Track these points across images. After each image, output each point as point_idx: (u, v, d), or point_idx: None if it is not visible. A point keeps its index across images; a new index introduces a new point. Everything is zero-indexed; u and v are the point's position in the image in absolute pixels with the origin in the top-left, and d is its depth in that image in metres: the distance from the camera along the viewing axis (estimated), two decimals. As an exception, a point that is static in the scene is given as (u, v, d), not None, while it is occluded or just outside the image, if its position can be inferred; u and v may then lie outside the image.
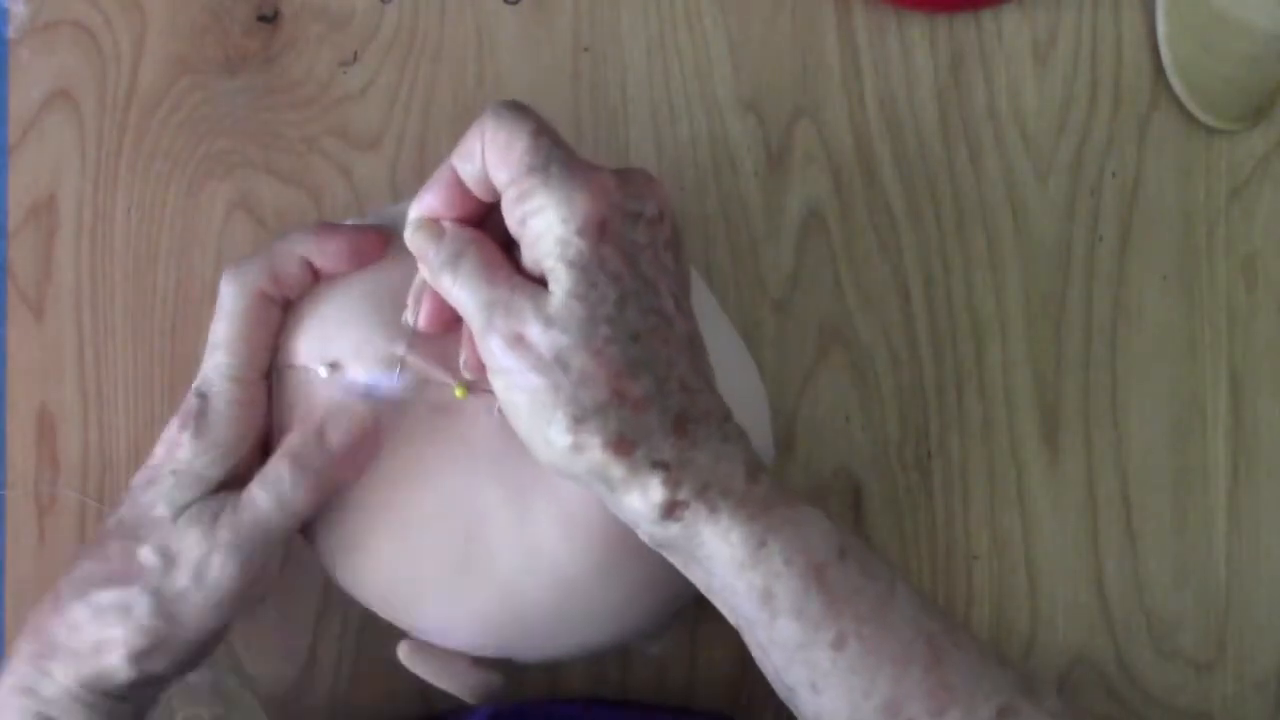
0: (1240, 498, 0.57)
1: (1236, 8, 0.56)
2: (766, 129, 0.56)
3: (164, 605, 0.44)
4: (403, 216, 0.45)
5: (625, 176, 0.42)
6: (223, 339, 0.45)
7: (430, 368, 0.45)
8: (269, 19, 0.55)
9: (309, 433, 0.44)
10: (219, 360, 0.45)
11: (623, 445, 0.40)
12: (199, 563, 0.44)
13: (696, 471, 0.41)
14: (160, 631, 0.44)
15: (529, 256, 0.42)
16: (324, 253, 0.46)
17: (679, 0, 0.55)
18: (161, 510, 0.44)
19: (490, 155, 0.42)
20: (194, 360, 0.54)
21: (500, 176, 0.42)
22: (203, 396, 0.45)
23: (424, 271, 0.44)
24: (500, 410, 0.43)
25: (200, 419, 0.45)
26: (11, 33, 0.54)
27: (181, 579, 0.44)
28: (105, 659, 0.44)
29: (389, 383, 0.45)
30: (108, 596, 0.44)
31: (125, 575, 0.44)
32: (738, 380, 0.49)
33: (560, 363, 0.40)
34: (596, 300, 0.40)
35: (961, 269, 0.56)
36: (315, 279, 0.46)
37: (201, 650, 0.46)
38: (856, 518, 0.55)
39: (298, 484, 0.44)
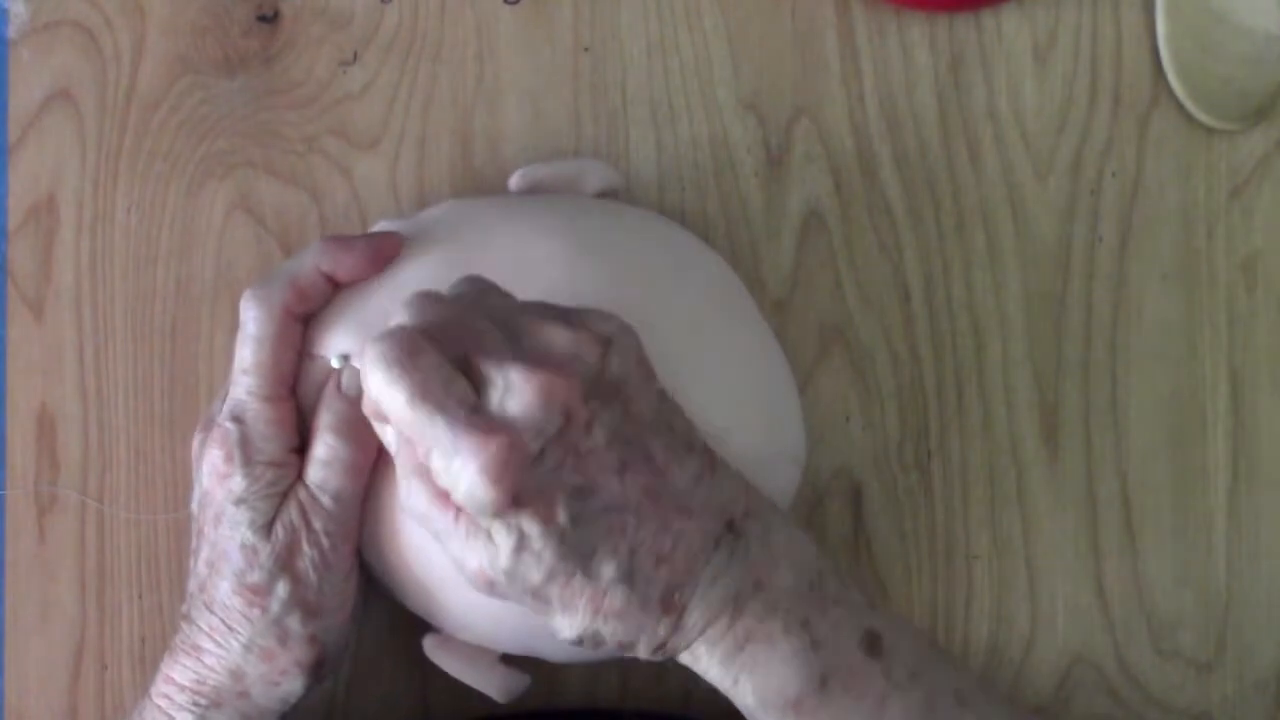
0: (1240, 498, 0.57)
1: (1236, 8, 0.56)
2: (766, 129, 0.56)
3: (309, 609, 0.45)
4: (417, 223, 0.47)
5: (521, 402, 0.40)
6: (251, 364, 0.46)
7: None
8: (269, 19, 0.55)
9: (330, 399, 0.46)
10: (250, 384, 0.46)
11: (624, 646, 0.42)
12: (315, 557, 0.45)
13: (688, 632, 0.42)
14: (319, 633, 0.46)
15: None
16: (343, 265, 0.46)
17: (679, 0, 0.55)
18: (247, 538, 0.45)
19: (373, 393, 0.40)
20: (194, 360, 0.54)
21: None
22: (239, 421, 0.46)
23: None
24: None
25: (245, 446, 0.45)
26: (11, 33, 0.54)
27: (310, 578, 0.45)
28: (282, 687, 0.46)
29: None
30: (257, 632, 0.45)
31: (259, 606, 0.45)
32: (769, 377, 0.49)
33: (540, 598, 0.41)
34: (540, 549, 0.40)
35: (961, 269, 0.56)
36: (335, 290, 0.47)
37: (347, 635, 0.48)
38: (857, 518, 0.55)
39: (348, 445, 0.45)
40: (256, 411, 0.46)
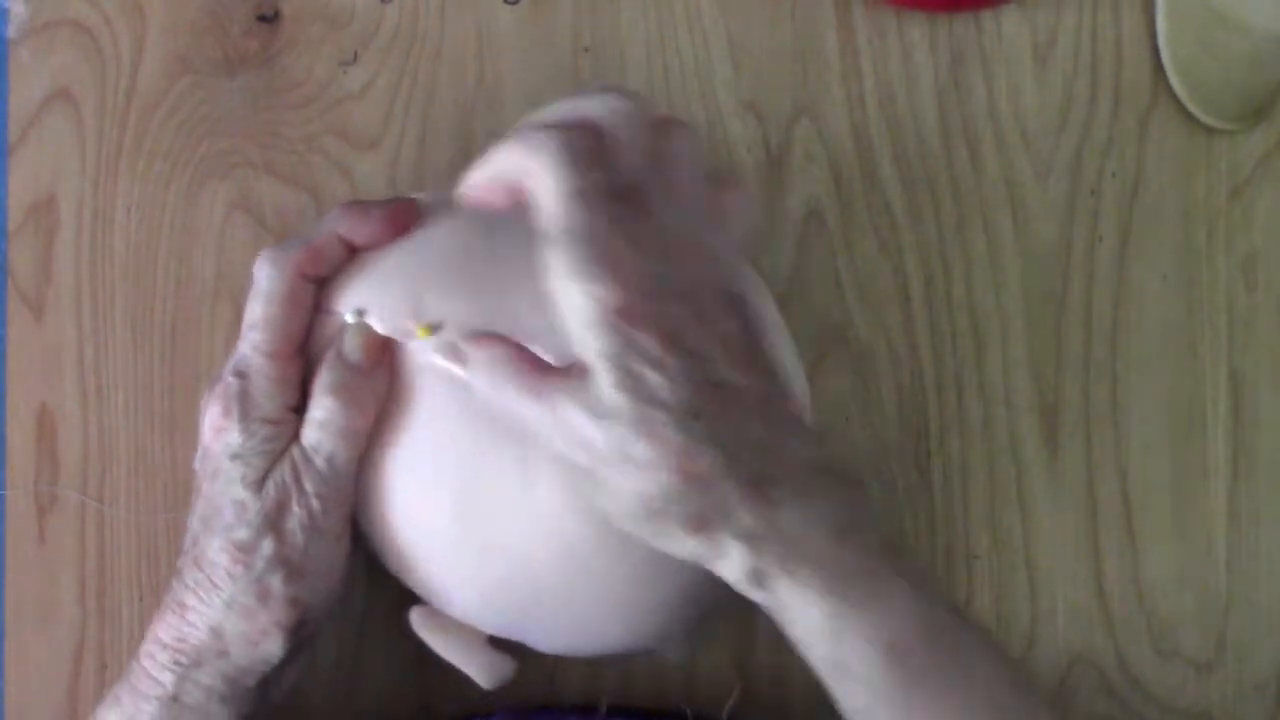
0: (1240, 498, 0.57)
1: (1236, 8, 0.56)
2: (766, 129, 0.56)
3: (293, 569, 0.45)
4: (433, 202, 0.47)
5: (662, 249, 0.41)
6: (260, 319, 0.45)
7: (455, 327, 0.45)
8: (269, 19, 0.55)
9: (331, 363, 0.45)
10: (256, 339, 0.45)
11: (700, 523, 0.40)
12: (304, 517, 0.45)
13: (779, 537, 0.40)
14: (302, 595, 0.45)
15: (564, 327, 0.41)
16: (360, 231, 0.46)
17: (679, 0, 0.55)
18: (238, 494, 0.45)
19: (530, 186, 0.42)
20: (194, 360, 0.54)
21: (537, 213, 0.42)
22: (242, 375, 0.45)
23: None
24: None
25: (243, 399, 0.45)
26: (11, 33, 0.54)
27: (298, 538, 0.45)
28: (262, 647, 0.45)
29: (404, 338, 0.45)
30: (239, 589, 0.44)
31: (243, 563, 0.44)
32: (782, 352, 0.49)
33: (622, 455, 0.40)
34: (640, 389, 0.40)
35: (961, 269, 0.56)
36: (351, 255, 0.47)
37: (331, 601, 0.47)
38: (856, 518, 0.56)
39: (346, 410, 0.45)
40: (259, 367, 0.45)
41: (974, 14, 0.56)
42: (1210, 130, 0.57)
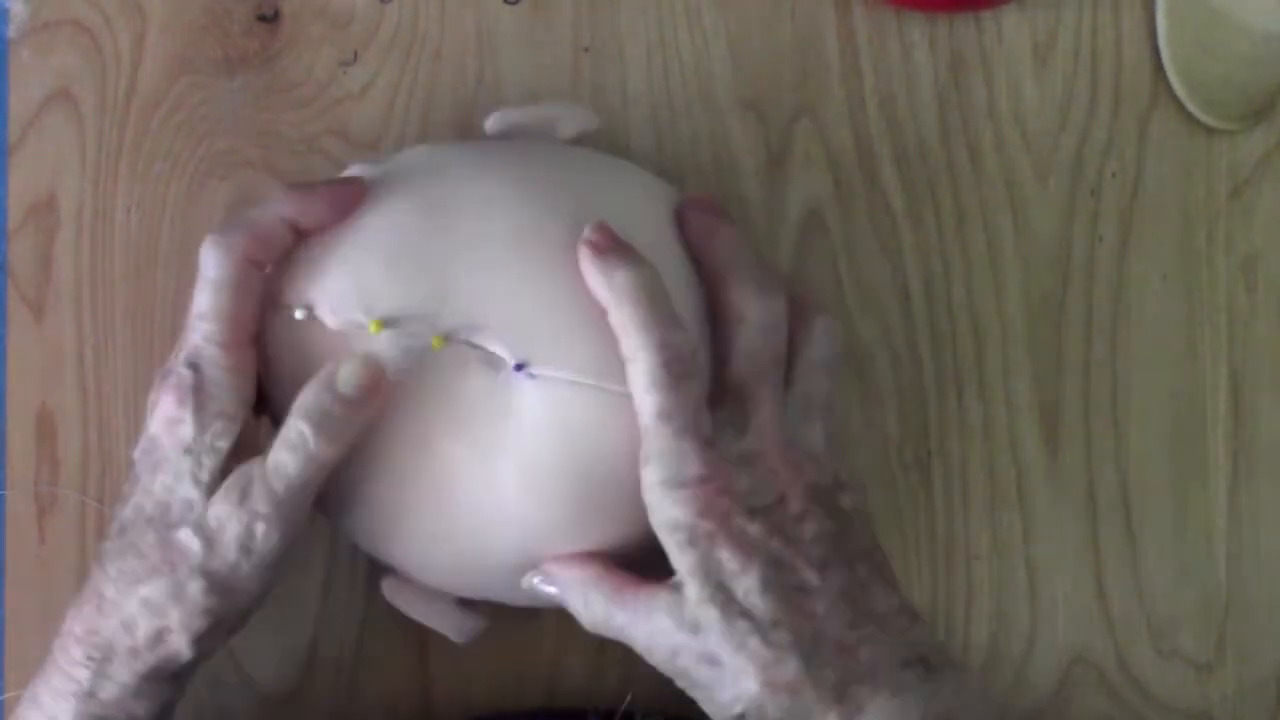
0: (1240, 498, 0.57)
1: (1236, 8, 0.56)
2: (766, 129, 0.56)
3: (216, 582, 0.44)
4: (385, 168, 0.47)
5: (748, 461, 0.43)
6: (209, 308, 0.44)
7: (409, 320, 0.45)
8: (269, 19, 0.55)
9: (319, 386, 0.44)
10: (208, 330, 0.44)
11: None
12: (242, 536, 0.44)
13: None
14: (217, 608, 0.44)
15: (656, 533, 0.44)
16: (305, 213, 0.45)
17: (679, 0, 0.55)
18: (188, 491, 0.44)
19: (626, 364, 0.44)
20: (194, 360, 0.54)
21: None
22: (195, 368, 0.44)
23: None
24: (473, 364, 0.44)
25: (199, 393, 0.44)
26: (11, 33, 0.54)
27: (229, 554, 0.44)
28: (169, 647, 0.44)
29: (360, 330, 0.45)
30: (157, 588, 0.44)
31: (169, 563, 0.44)
32: None
33: (712, 661, 0.42)
34: (726, 602, 0.42)
35: (961, 269, 0.56)
36: (298, 239, 0.46)
37: (249, 614, 0.46)
38: (856, 518, 0.56)
39: (319, 440, 0.44)
40: (213, 358, 0.44)
41: (974, 14, 0.56)
42: (1210, 130, 0.57)
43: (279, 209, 0.45)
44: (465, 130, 0.55)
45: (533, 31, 0.55)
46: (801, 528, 0.43)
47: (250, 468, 0.44)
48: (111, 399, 0.54)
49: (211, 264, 0.44)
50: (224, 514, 0.44)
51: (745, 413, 0.44)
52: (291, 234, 0.46)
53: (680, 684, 0.44)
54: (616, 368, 0.44)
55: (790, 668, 0.41)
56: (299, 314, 0.45)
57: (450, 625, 0.50)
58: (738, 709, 0.42)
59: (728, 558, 0.42)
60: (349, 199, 0.46)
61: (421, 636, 0.54)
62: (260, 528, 0.44)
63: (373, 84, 0.55)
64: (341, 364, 0.44)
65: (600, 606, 0.44)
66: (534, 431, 0.44)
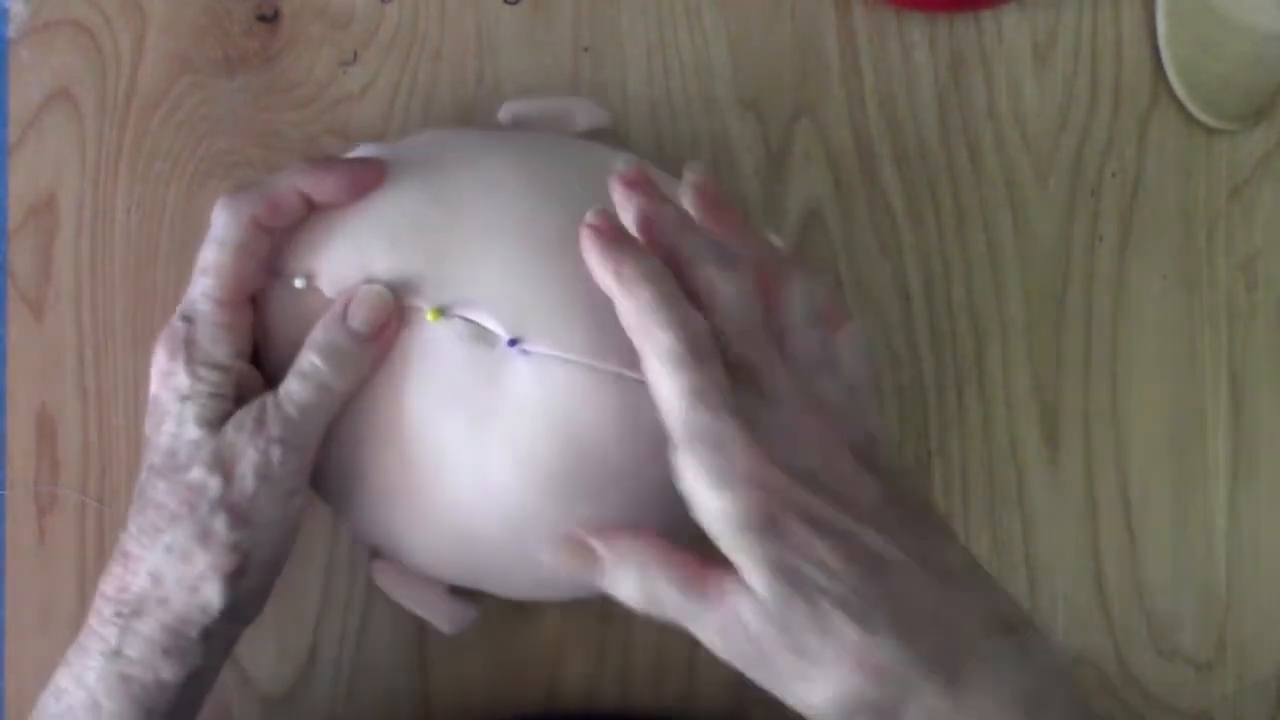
0: (1240, 498, 0.57)
1: (1236, 8, 0.56)
2: (766, 129, 0.56)
3: (239, 514, 0.44)
4: (396, 150, 0.47)
5: (785, 433, 0.40)
6: (212, 264, 0.45)
7: (407, 292, 0.45)
8: (269, 19, 0.55)
9: (331, 320, 0.45)
10: (206, 285, 0.45)
11: (888, 714, 0.39)
12: (259, 463, 0.44)
13: (970, 713, 0.38)
14: (244, 542, 0.44)
15: (708, 531, 0.40)
16: (321, 188, 0.46)
17: (679, 0, 0.55)
18: (194, 432, 0.44)
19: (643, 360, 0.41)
20: (194, 360, 0.54)
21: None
22: (188, 320, 0.45)
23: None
24: (464, 339, 0.44)
25: (189, 345, 0.45)
26: (11, 33, 0.54)
27: (247, 483, 0.44)
28: (200, 594, 0.44)
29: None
30: (181, 532, 0.44)
31: (187, 504, 0.44)
32: None
33: (799, 652, 0.39)
34: (803, 587, 0.38)
35: (961, 269, 0.56)
36: (310, 211, 0.46)
37: (278, 564, 0.46)
38: (856, 518, 0.55)
39: (332, 371, 0.44)
40: (207, 313, 0.45)
41: (974, 14, 0.56)
42: (1210, 130, 0.57)
43: (295, 180, 0.46)
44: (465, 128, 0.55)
45: (533, 31, 0.55)
46: (857, 493, 0.40)
47: (262, 400, 0.44)
48: (111, 399, 0.54)
49: (220, 223, 0.45)
50: (239, 442, 0.44)
51: (760, 386, 0.41)
52: (304, 205, 0.46)
53: (755, 675, 0.40)
54: (609, 347, 0.44)
55: (886, 646, 0.38)
56: (299, 283, 0.46)
57: (440, 614, 0.50)
58: (830, 697, 0.39)
59: (796, 538, 0.39)
60: (367, 179, 0.46)
61: (421, 637, 0.54)
62: (276, 451, 0.44)
63: (373, 84, 0.55)
64: (353, 299, 0.45)
65: (663, 589, 0.40)
66: (525, 408, 0.45)
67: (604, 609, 0.54)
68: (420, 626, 0.54)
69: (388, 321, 0.45)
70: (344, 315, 0.45)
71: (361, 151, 0.49)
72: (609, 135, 0.55)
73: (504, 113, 0.53)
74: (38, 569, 0.54)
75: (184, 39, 0.54)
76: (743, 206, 0.55)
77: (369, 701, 0.54)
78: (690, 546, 0.41)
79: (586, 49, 0.55)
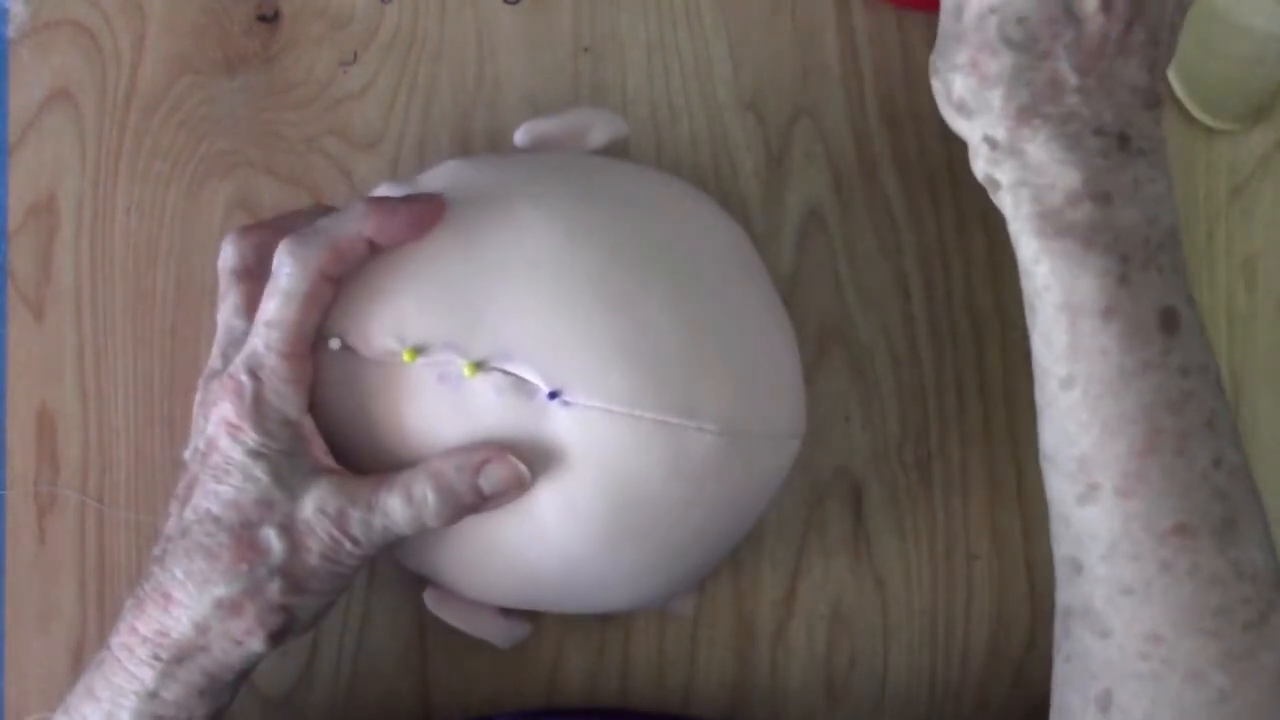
0: (1240, 498, 0.57)
1: (1236, 8, 0.56)
2: (766, 129, 0.56)
3: (295, 582, 0.44)
4: (415, 187, 0.47)
5: None
6: (277, 317, 0.44)
7: (442, 348, 0.45)
8: (269, 19, 0.55)
9: (464, 467, 0.44)
10: (273, 338, 0.44)
11: (963, 109, 0.46)
12: (329, 547, 0.44)
13: (1019, 165, 0.45)
14: (294, 607, 0.44)
15: None
16: (387, 231, 0.45)
17: (679, 0, 0.55)
18: (268, 492, 0.44)
19: None
20: (194, 360, 0.54)
21: None
22: (255, 377, 0.44)
23: None
24: (504, 391, 0.44)
25: (257, 403, 0.44)
26: (11, 33, 0.54)
27: (312, 559, 0.44)
28: (244, 647, 0.44)
29: (393, 359, 0.45)
30: (232, 587, 0.44)
31: (245, 561, 0.44)
32: (774, 346, 0.49)
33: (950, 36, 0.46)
34: None
35: (961, 269, 0.56)
36: (373, 253, 0.45)
37: (319, 620, 0.46)
38: (857, 517, 0.55)
39: (439, 513, 0.44)
40: (274, 368, 0.44)
41: (974, 14, 0.56)
42: (1210, 130, 0.57)
43: (360, 226, 0.45)
44: (465, 130, 0.55)
45: (533, 31, 0.55)
46: None
47: (354, 493, 0.44)
48: (111, 399, 0.54)
49: (285, 273, 0.44)
50: (316, 522, 0.44)
51: None
52: (367, 251, 0.45)
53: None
54: (650, 395, 0.44)
55: (1001, 60, 0.44)
56: (334, 344, 0.45)
57: (496, 633, 0.51)
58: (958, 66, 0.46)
59: None
60: (429, 217, 0.45)
61: (421, 637, 0.54)
62: (347, 546, 0.44)
63: (373, 84, 0.55)
64: (495, 458, 0.44)
65: None
66: (571, 460, 0.44)
67: (604, 609, 0.54)
68: (420, 626, 0.54)
69: (514, 490, 0.45)
70: (479, 470, 0.44)
71: (384, 190, 0.48)
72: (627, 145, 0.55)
73: (520, 136, 0.52)
74: (38, 569, 0.54)
75: (184, 39, 0.54)
76: (743, 206, 0.55)
77: (369, 701, 0.54)
78: None
79: (586, 49, 0.55)
